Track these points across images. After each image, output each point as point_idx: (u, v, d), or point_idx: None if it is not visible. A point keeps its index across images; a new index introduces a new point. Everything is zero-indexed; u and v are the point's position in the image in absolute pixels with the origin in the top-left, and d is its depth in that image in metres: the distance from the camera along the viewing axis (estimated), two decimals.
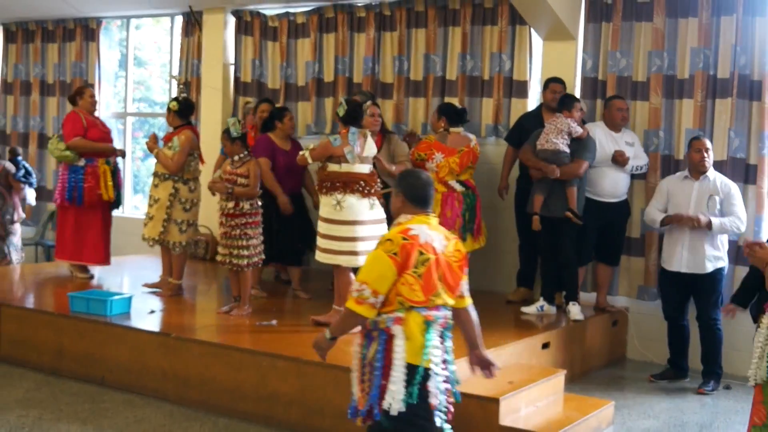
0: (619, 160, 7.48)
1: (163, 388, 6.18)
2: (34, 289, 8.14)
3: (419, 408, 3.96)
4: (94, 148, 8.33)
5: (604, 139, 7.56)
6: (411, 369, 3.96)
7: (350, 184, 6.27)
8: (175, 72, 10.90)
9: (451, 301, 4.16)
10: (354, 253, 6.25)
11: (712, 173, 7.07)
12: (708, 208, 6.92)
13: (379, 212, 6.41)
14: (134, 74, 12.31)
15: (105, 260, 8.49)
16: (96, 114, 8.78)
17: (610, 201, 7.61)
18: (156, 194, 7.59)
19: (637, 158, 7.64)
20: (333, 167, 6.30)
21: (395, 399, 3.93)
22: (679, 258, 7.04)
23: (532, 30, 8.46)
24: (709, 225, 6.87)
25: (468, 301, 4.32)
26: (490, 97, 8.75)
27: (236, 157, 6.89)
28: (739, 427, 5.91)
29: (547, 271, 7.61)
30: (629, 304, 8.14)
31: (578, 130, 7.30)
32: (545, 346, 6.79)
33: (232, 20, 10.38)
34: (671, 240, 7.13)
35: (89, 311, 6.66)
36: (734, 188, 7.05)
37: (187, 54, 10.73)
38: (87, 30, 11.58)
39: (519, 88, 8.59)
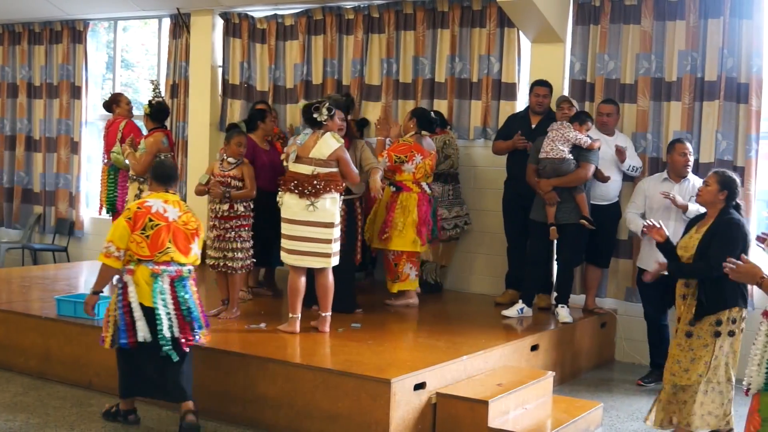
0: (617, 156, 7.51)
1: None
2: (21, 293, 8.09)
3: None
4: None
5: None
6: (145, 309, 5.23)
7: (287, 182, 6.39)
8: (162, 75, 10.88)
9: (183, 259, 5.37)
10: (287, 251, 6.38)
11: (691, 176, 7.11)
12: (686, 211, 6.87)
13: (322, 215, 6.32)
14: (122, 76, 12.29)
15: None
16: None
17: (601, 204, 7.62)
18: (129, 195, 7.82)
19: (632, 159, 7.67)
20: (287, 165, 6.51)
21: (141, 329, 5.21)
22: (657, 257, 7.00)
23: (521, 32, 8.48)
24: (685, 208, 6.88)
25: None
26: (478, 99, 8.76)
27: (230, 160, 6.87)
28: None
29: (534, 275, 7.61)
30: (617, 306, 8.15)
31: (587, 140, 7.30)
32: (534, 348, 6.80)
33: (220, 22, 10.36)
34: (648, 239, 7.10)
35: (76, 315, 6.62)
36: None
37: (174, 56, 10.70)
38: (74, 32, 11.54)
39: (507, 91, 8.61)
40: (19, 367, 6.82)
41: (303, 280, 6.44)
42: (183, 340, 5.31)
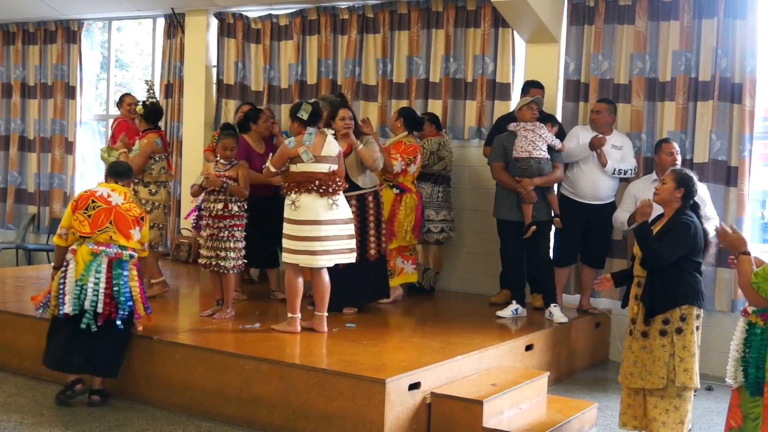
0: (594, 143, 7.47)
1: (145, 392, 6.14)
2: (15, 293, 8.07)
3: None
4: None
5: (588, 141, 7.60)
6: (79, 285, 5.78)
7: (305, 183, 6.31)
8: (157, 75, 10.87)
9: (123, 241, 5.88)
10: (312, 253, 6.32)
11: None
12: None
13: (342, 212, 6.42)
14: (116, 76, 12.26)
15: None
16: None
17: (591, 203, 7.62)
18: (157, 200, 7.73)
19: (624, 162, 7.62)
20: (292, 168, 6.37)
21: (68, 302, 5.78)
22: None
23: (515, 33, 8.48)
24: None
25: (144, 254, 6.18)
26: (473, 99, 8.77)
27: (223, 161, 6.87)
28: (720, 429, 5.92)
29: (517, 274, 7.62)
30: (611, 306, 8.17)
31: (559, 142, 7.42)
32: (528, 348, 6.80)
33: (214, 22, 10.35)
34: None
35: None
36: (703, 191, 6.92)
37: (169, 56, 10.69)
38: (68, 32, 11.53)
39: (502, 91, 8.62)
40: (13, 368, 6.81)
41: (301, 280, 6.47)
42: (106, 317, 5.80)
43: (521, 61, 8.64)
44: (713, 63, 7.59)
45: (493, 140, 7.97)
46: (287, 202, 6.35)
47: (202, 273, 8.44)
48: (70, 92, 11.54)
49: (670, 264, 5.12)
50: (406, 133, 7.75)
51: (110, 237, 5.86)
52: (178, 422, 5.75)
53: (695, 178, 5.38)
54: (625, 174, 7.65)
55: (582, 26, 8.20)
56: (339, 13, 9.53)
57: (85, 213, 5.90)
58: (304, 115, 6.38)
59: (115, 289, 5.82)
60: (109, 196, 5.99)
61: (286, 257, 6.42)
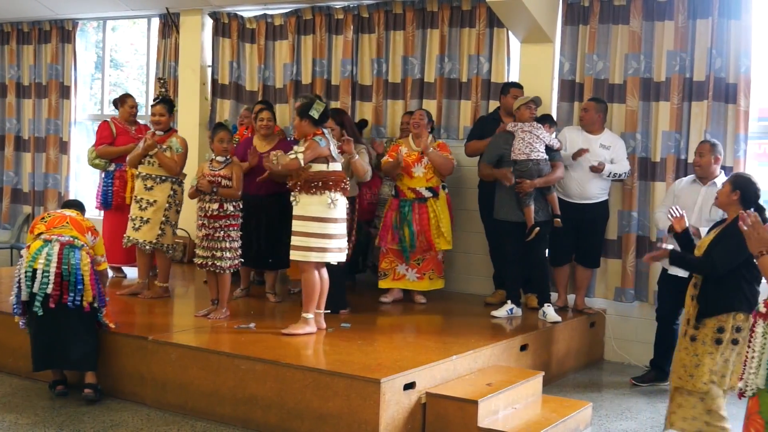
0: (575, 156, 7.53)
1: (140, 392, 6.14)
2: (9, 293, 8.04)
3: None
4: (117, 153, 8.51)
5: (577, 142, 7.61)
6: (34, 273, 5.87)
7: (338, 182, 6.36)
8: (151, 75, 10.87)
9: (79, 237, 6.01)
10: (325, 250, 6.32)
11: (721, 179, 6.80)
12: (711, 214, 6.74)
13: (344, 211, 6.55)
14: (110, 76, 12.25)
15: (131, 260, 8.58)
16: (137, 121, 8.94)
17: (580, 202, 7.63)
18: (151, 197, 7.50)
19: (616, 164, 7.62)
20: (320, 167, 6.31)
21: (23, 291, 5.91)
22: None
23: (510, 32, 8.49)
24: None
25: (101, 267, 6.29)
26: (468, 99, 8.78)
27: (220, 159, 6.86)
28: None
29: (516, 274, 7.62)
30: (606, 305, 8.18)
31: (558, 142, 7.43)
32: (523, 348, 6.81)
33: (209, 22, 10.34)
34: (671, 236, 7.05)
35: None
36: None
37: (164, 56, 10.68)
38: (63, 31, 11.51)
39: (497, 91, 8.60)
40: (8, 368, 6.80)
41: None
42: (56, 299, 5.84)
43: (516, 61, 8.64)
44: (708, 63, 7.60)
45: (473, 138, 8.13)
46: (326, 200, 6.28)
47: (197, 272, 8.44)
48: (65, 92, 11.52)
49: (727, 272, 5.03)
50: (432, 137, 7.92)
51: (63, 231, 6.03)
52: (173, 422, 5.75)
53: (755, 181, 5.26)
54: (618, 177, 7.65)
55: (577, 26, 8.21)
56: (334, 12, 9.53)
57: (42, 221, 6.19)
58: (315, 114, 6.37)
59: (65, 267, 5.85)
60: (62, 212, 6.34)
61: (312, 256, 6.31)
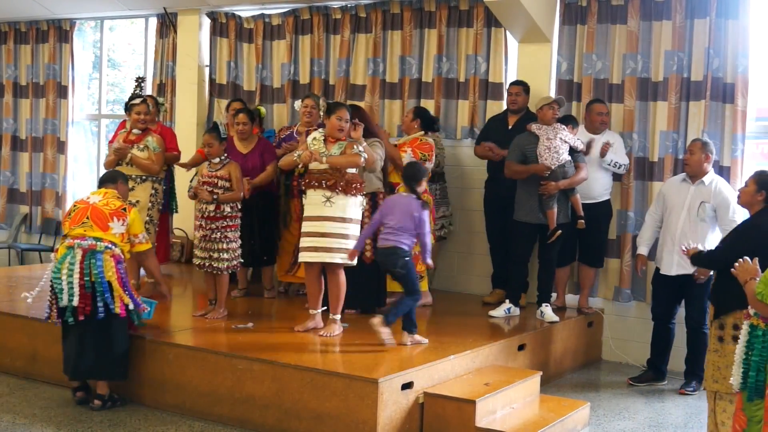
0: (600, 151, 7.53)
1: (138, 392, 6.13)
2: (7, 293, 8.05)
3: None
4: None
5: (581, 141, 7.61)
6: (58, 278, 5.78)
7: (362, 185, 6.40)
8: (149, 75, 10.85)
9: (100, 233, 5.88)
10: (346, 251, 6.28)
11: (710, 178, 6.90)
12: (698, 214, 6.83)
13: None
14: (108, 76, 12.24)
15: (166, 259, 8.74)
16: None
17: (585, 202, 7.58)
18: (133, 197, 7.32)
19: (618, 155, 7.65)
20: (353, 169, 6.32)
21: (64, 297, 5.73)
22: (670, 261, 6.97)
23: (508, 32, 8.49)
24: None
25: (142, 248, 6.22)
26: (465, 99, 8.78)
27: (216, 160, 6.84)
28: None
29: (521, 275, 7.62)
30: (604, 305, 8.18)
31: (582, 144, 7.38)
32: (521, 347, 6.81)
33: (207, 22, 10.34)
34: (663, 241, 7.08)
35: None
36: (729, 195, 6.78)
37: (161, 56, 10.67)
38: (60, 31, 11.50)
39: (494, 90, 8.62)
40: (5, 368, 6.79)
41: None
42: (82, 311, 5.73)
43: (514, 61, 8.64)
44: (705, 63, 7.61)
45: (481, 138, 8.09)
46: (361, 201, 6.33)
47: (194, 272, 8.43)
48: (62, 92, 11.51)
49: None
50: (423, 132, 7.74)
51: (84, 231, 5.88)
52: (170, 422, 5.74)
53: None
54: (619, 168, 7.65)
55: (574, 26, 8.22)
56: (332, 12, 9.53)
57: (68, 216, 6.08)
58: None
59: (87, 279, 5.74)
60: (88, 198, 6.15)
61: (339, 257, 6.25)
